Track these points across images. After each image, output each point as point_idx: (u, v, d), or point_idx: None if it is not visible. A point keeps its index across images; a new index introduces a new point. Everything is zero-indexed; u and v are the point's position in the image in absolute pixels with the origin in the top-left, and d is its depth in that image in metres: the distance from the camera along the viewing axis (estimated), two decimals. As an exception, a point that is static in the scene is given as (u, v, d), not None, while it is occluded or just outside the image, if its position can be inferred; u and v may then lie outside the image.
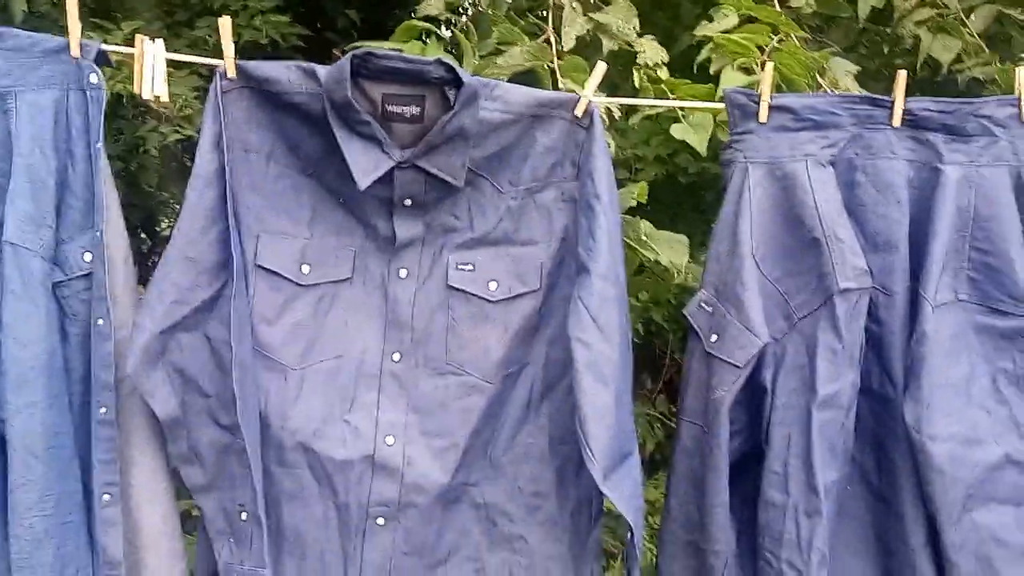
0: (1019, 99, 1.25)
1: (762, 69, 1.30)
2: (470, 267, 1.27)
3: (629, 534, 1.18)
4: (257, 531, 1.18)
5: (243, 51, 2.40)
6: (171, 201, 2.90)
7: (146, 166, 2.42)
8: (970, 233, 1.24)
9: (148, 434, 1.24)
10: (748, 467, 1.26)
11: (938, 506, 1.19)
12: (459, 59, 1.52)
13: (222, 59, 1.21)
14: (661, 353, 2.88)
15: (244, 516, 1.20)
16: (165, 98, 1.24)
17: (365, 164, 1.19)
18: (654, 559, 1.36)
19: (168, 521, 1.27)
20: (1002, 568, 1.19)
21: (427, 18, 1.54)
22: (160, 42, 1.24)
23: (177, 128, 2.12)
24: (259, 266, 1.23)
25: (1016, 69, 1.27)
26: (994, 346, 1.23)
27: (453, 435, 1.25)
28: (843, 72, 1.58)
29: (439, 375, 1.26)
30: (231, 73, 1.21)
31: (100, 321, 1.17)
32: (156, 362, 1.19)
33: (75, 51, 1.19)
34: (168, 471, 1.26)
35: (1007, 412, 1.22)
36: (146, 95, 1.23)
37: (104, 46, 1.23)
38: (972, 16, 1.89)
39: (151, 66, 1.23)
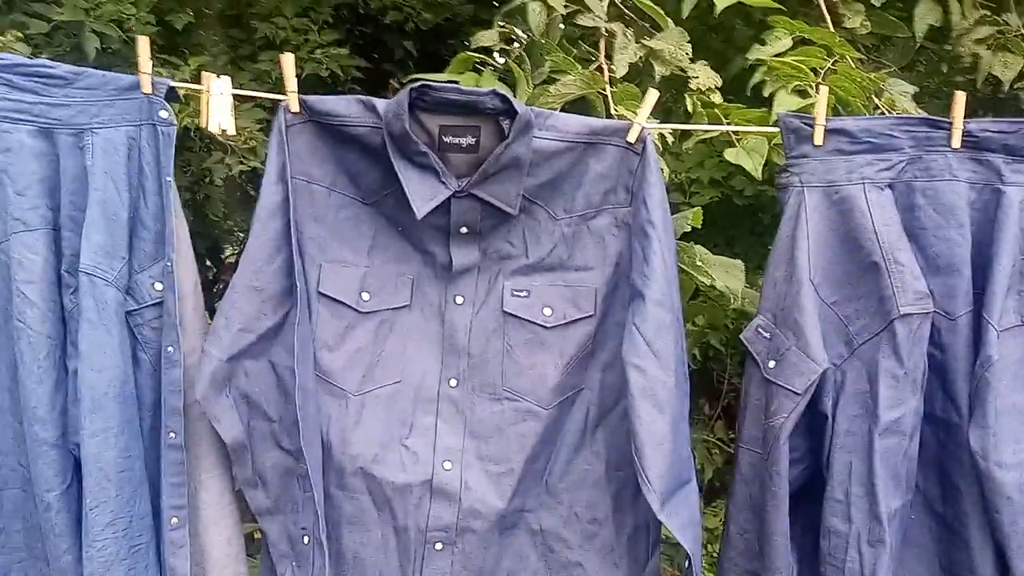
0: (1084, 117, 1.22)
1: (817, 92, 1.29)
2: (525, 293, 1.29)
3: (687, 563, 1.17)
4: (319, 554, 1.20)
5: (304, 83, 2.47)
6: (236, 230, 2.99)
7: (212, 196, 2.50)
8: (1035, 256, 1.21)
9: (215, 458, 1.28)
10: (808, 495, 1.24)
11: (1006, 535, 1.16)
12: (513, 88, 1.54)
13: (285, 94, 1.25)
14: (719, 378, 2.85)
15: (306, 540, 1.22)
16: (231, 131, 1.29)
17: (423, 193, 1.21)
18: (713, 587, 1.35)
19: (233, 543, 1.30)
20: (1075, 600, 1.15)
21: (481, 49, 1.57)
22: (226, 78, 1.29)
23: (242, 160, 2.19)
24: (321, 294, 1.27)
25: (1081, 87, 1.24)
26: (1063, 371, 1.20)
27: (509, 460, 1.26)
28: (900, 93, 1.56)
29: (495, 400, 1.28)
30: (294, 108, 1.25)
31: (170, 348, 1.22)
32: (223, 388, 1.23)
33: (146, 88, 1.24)
34: (234, 494, 1.30)
35: (1078, 439, 1.18)
36: (212, 129, 1.28)
37: (173, 83, 1.28)
38: (1034, 33, 1.86)
39: (217, 101, 1.28)
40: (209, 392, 1.21)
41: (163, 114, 1.25)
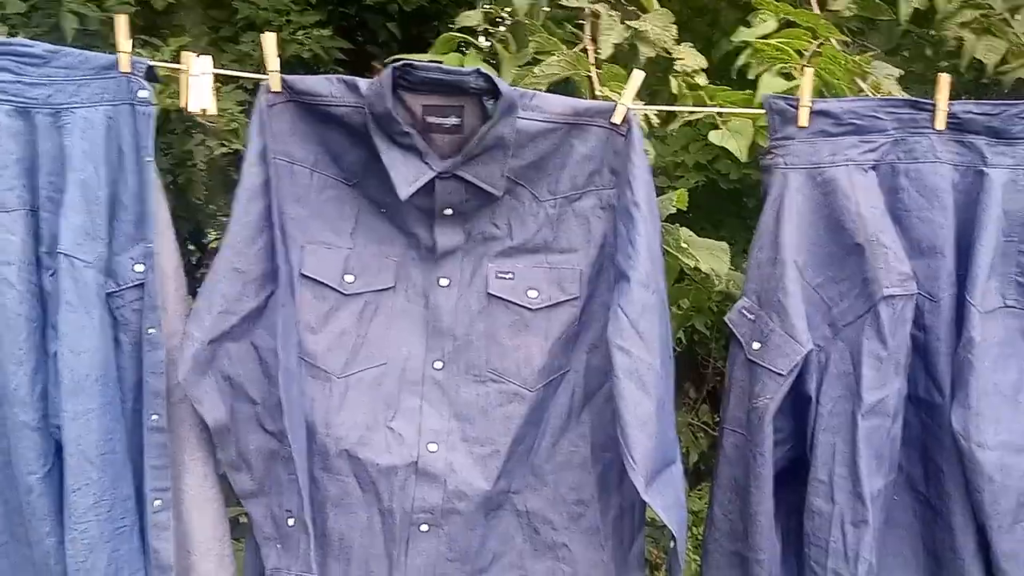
0: (1067, 100, 1.22)
1: (801, 74, 1.29)
2: (510, 275, 1.28)
3: (672, 543, 1.17)
4: (304, 537, 1.20)
5: (286, 65, 2.44)
6: (218, 214, 2.96)
7: (193, 179, 2.47)
8: (1017, 238, 1.22)
9: (198, 441, 1.27)
10: (792, 476, 1.25)
11: (988, 515, 1.17)
12: (497, 69, 1.53)
13: (267, 74, 1.24)
14: (704, 362, 2.86)
15: (291, 522, 1.22)
16: (212, 111, 1.27)
17: (406, 174, 1.20)
18: (698, 569, 1.35)
19: (218, 526, 1.29)
20: (1055, 578, 1.16)
21: (465, 29, 1.56)
22: (207, 57, 1.28)
23: (224, 142, 2.16)
24: (304, 276, 1.26)
25: (1064, 70, 1.25)
26: (1044, 352, 1.21)
27: (495, 442, 1.26)
28: (885, 76, 1.56)
29: (480, 383, 1.27)
30: (276, 87, 1.24)
31: (151, 330, 1.21)
32: (205, 370, 1.22)
33: (125, 67, 1.23)
34: (218, 477, 1.29)
35: (1058, 419, 1.19)
36: (193, 109, 1.27)
37: (153, 62, 1.26)
38: (1017, 16, 1.86)
39: (198, 81, 1.26)
40: (191, 374, 1.20)
41: (142, 94, 1.23)
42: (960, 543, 1.20)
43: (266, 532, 1.24)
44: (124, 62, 1.23)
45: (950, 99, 1.24)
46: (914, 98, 1.27)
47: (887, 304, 1.18)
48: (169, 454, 1.22)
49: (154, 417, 1.21)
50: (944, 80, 1.23)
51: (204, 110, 1.28)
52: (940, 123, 1.24)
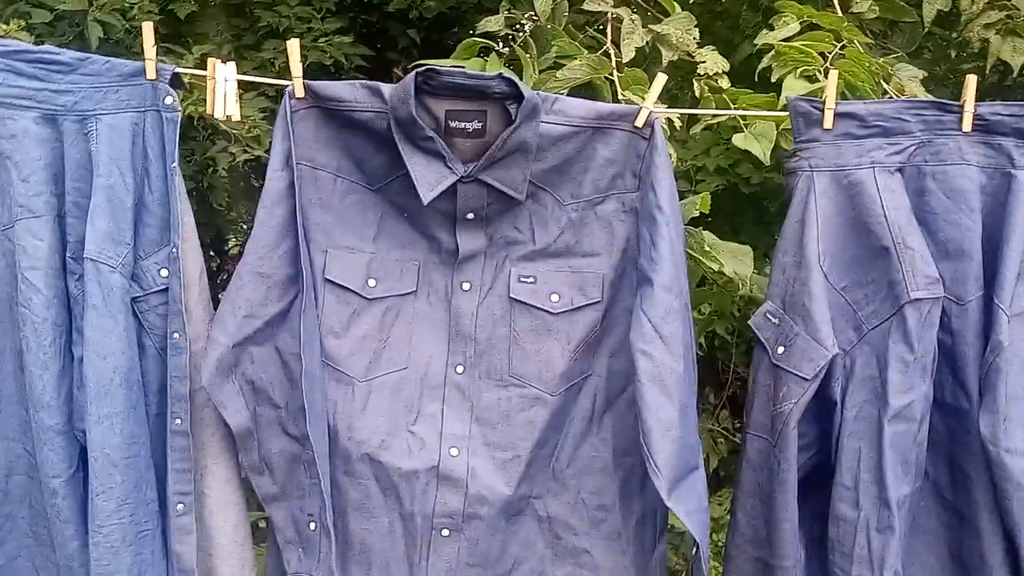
0: (1095, 100, 1.21)
1: (825, 76, 1.28)
2: (532, 279, 1.28)
3: (694, 549, 1.17)
4: (325, 541, 1.20)
5: (307, 72, 2.46)
6: (239, 220, 2.98)
7: (216, 185, 2.49)
8: (1047, 240, 1.20)
9: (221, 445, 1.28)
10: (817, 481, 1.24)
11: (1016, 521, 1.16)
12: (519, 74, 1.53)
13: (290, 80, 1.24)
14: (724, 367, 2.84)
15: (313, 526, 1.22)
16: (237, 117, 1.28)
17: (429, 179, 1.21)
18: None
19: (240, 530, 1.30)
20: (1085, 586, 1.14)
21: (486, 35, 1.56)
22: (231, 64, 1.29)
23: (246, 148, 2.18)
24: (327, 280, 1.26)
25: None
26: (1074, 357, 1.19)
27: (516, 447, 1.26)
28: (909, 78, 1.55)
29: (502, 387, 1.27)
30: (300, 93, 1.24)
31: (176, 335, 1.22)
32: (229, 374, 1.22)
33: (151, 74, 1.24)
34: (240, 481, 1.30)
35: (1088, 425, 1.17)
36: (218, 115, 1.28)
37: (179, 68, 1.27)
38: (1044, 17, 1.84)
39: (223, 87, 1.27)
40: (215, 378, 1.21)
41: (168, 100, 1.24)
42: (988, 550, 1.19)
43: (288, 536, 1.25)
44: (150, 69, 1.24)
45: (976, 101, 1.23)
46: (940, 100, 1.26)
47: (914, 307, 1.16)
48: (192, 458, 1.23)
49: (177, 421, 1.22)
50: (971, 81, 1.22)
51: (229, 116, 1.29)
52: (967, 125, 1.22)
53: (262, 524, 1.61)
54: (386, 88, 1.21)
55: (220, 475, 1.28)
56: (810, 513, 1.24)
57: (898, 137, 1.22)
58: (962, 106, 1.22)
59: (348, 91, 1.23)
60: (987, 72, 1.92)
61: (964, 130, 1.22)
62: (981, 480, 1.19)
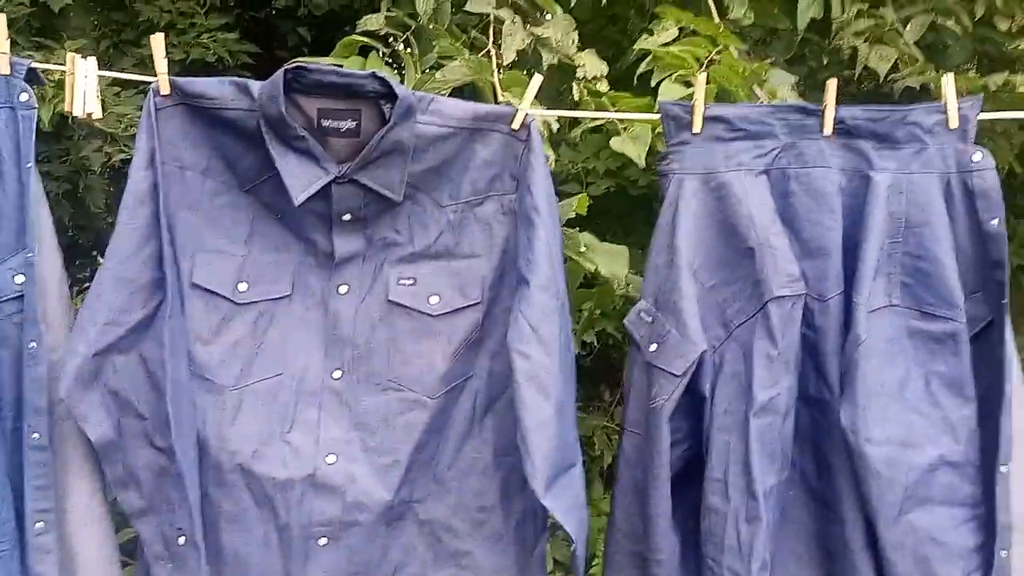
0: (946, 106, 1.27)
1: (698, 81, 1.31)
2: (411, 281, 1.27)
3: (572, 546, 1.18)
4: (195, 555, 1.16)
5: (191, 68, 2.39)
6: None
7: (93, 187, 2.39)
8: (902, 239, 1.26)
9: (83, 459, 1.22)
10: (691, 475, 1.26)
11: (876, 508, 1.21)
12: (401, 74, 1.52)
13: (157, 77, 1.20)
14: (619, 365, 2.88)
15: (182, 540, 1.18)
16: (98, 115, 1.23)
17: (301, 179, 1.18)
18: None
19: (104, 548, 1.25)
20: (938, 568, 1.20)
21: (369, 33, 1.54)
22: (92, 60, 1.23)
23: (123, 148, 2.10)
24: (195, 285, 1.22)
25: (943, 76, 1.30)
26: (927, 350, 1.25)
27: (396, 452, 1.24)
28: (781, 83, 1.61)
29: (381, 391, 1.25)
30: (164, 90, 1.20)
31: (32, 344, 1.16)
32: (90, 385, 1.17)
33: (4, 69, 1.18)
34: (105, 496, 1.24)
35: (941, 415, 1.23)
36: (77, 113, 1.22)
37: (34, 64, 1.21)
38: (908, 26, 1.94)
39: (83, 84, 1.22)
40: (75, 389, 1.15)
41: (23, 97, 1.18)
42: (850, 536, 1.23)
43: (156, 551, 1.20)
44: (3, 64, 1.18)
45: (843, 105, 1.28)
46: (804, 104, 1.30)
47: (777, 304, 1.20)
48: (52, 473, 1.17)
49: (35, 435, 1.16)
50: (831, 86, 1.27)
51: (90, 114, 1.23)
52: (828, 129, 1.27)
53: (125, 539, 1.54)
54: (255, 85, 1.18)
55: (83, 491, 1.22)
56: (685, 506, 1.26)
57: (763, 140, 1.26)
58: (823, 110, 1.27)
59: (216, 88, 1.19)
60: (856, 78, 2.01)
61: (825, 134, 1.27)
62: (843, 469, 1.24)
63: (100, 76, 1.23)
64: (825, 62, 2.16)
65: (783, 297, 1.20)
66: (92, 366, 1.16)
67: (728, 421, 1.21)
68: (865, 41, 1.93)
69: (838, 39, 1.96)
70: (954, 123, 1.26)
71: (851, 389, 1.21)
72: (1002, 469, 1.20)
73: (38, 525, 1.17)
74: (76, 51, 1.93)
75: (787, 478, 1.25)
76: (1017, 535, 1.21)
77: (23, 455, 1.16)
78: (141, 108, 2.10)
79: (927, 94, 1.80)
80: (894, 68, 1.91)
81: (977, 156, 1.25)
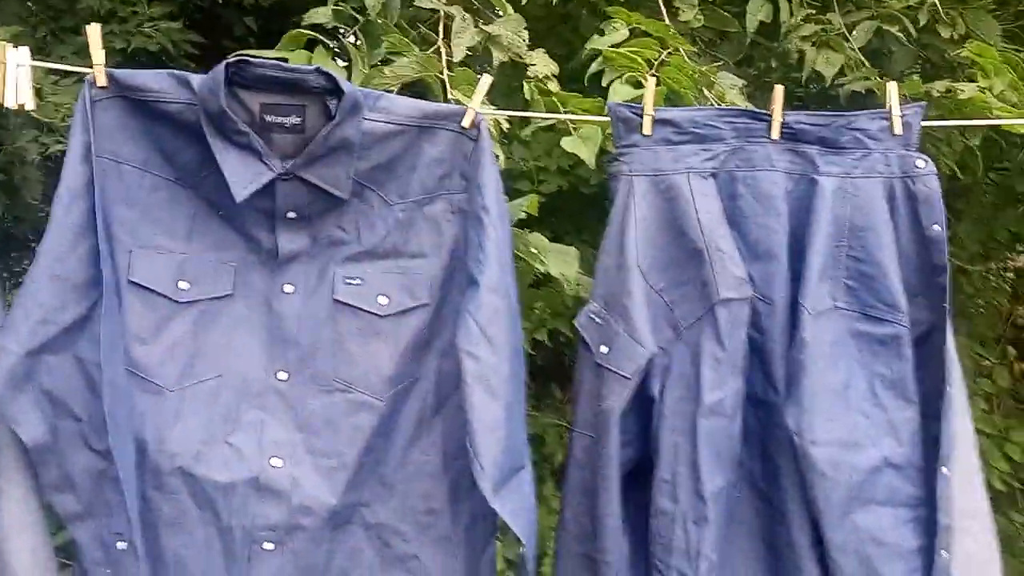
0: (890, 112, 1.29)
1: (647, 83, 1.31)
2: (358, 281, 1.25)
3: (521, 548, 1.17)
4: (133, 561, 1.13)
5: (132, 58, 2.33)
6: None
7: (29, 178, 2.31)
8: (846, 243, 1.27)
9: (16, 462, 1.17)
10: (640, 476, 1.27)
11: (821, 509, 1.22)
12: (349, 69, 1.49)
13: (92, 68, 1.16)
14: (571, 363, 2.89)
15: (121, 545, 1.14)
16: (30, 106, 1.19)
17: (243, 175, 1.15)
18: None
19: (39, 552, 1.19)
20: (881, 567, 1.22)
21: (317, 27, 1.51)
22: (25, 49, 1.19)
23: (60, 138, 2.03)
24: (132, 282, 1.18)
25: (887, 84, 1.32)
26: (871, 352, 1.27)
27: (342, 454, 1.22)
28: (729, 86, 1.62)
29: (327, 393, 1.23)
30: (101, 82, 1.16)
31: (-41, 344, 1.11)
32: (22, 386, 1.13)
33: (-71, 58, 1.13)
34: (39, 501, 1.20)
35: (884, 416, 1.25)
36: (10, 104, 1.18)
37: (-38, 53, 1.16)
38: (854, 32, 1.97)
39: (14, 74, 1.17)
40: (6, 391, 1.11)
41: (-51, 86, 1.13)
42: (796, 537, 1.25)
43: (94, 557, 1.16)
44: (-73, 51, 1.13)
45: (792, 109, 1.29)
46: (752, 109, 1.32)
47: (724, 307, 1.21)
48: (-18, 478, 1.13)
49: (-37, 438, 1.11)
50: (778, 92, 1.28)
51: (22, 105, 1.19)
52: (775, 133, 1.28)
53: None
54: (196, 79, 1.14)
55: (15, 496, 1.17)
56: (634, 507, 1.26)
57: (712, 143, 1.27)
58: (771, 115, 1.28)
59: (155, 80, 1.16)
60: (803, 82, 2.04)
61: (772, 138, 1.28)
62: (789, 470, 1.25)
63: (34, 66, 1.18)
64: (773, 65, 2.19)
65: (730, 300, 1.21)
66: (25, 366, 1.12)
67: (676, 423, 1.22)
68: (812, 45, 1.96)
69: (786, 43, 1.99)
70: (898, 129, 1.28)
71: (797, 391, 1.23)
72: (943, 470, 1.23)
73: (-34, 532, 1.12)
74: (11, 38, 1.86)
75: (735, 479, 1.26)
76: (957, 535, 1.24)
77: (-50, 460, 1.12)
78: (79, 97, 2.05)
79: (872, 98, 1.83)
80: (840, 72, 1.94)
81: (920, 163, 1.27)
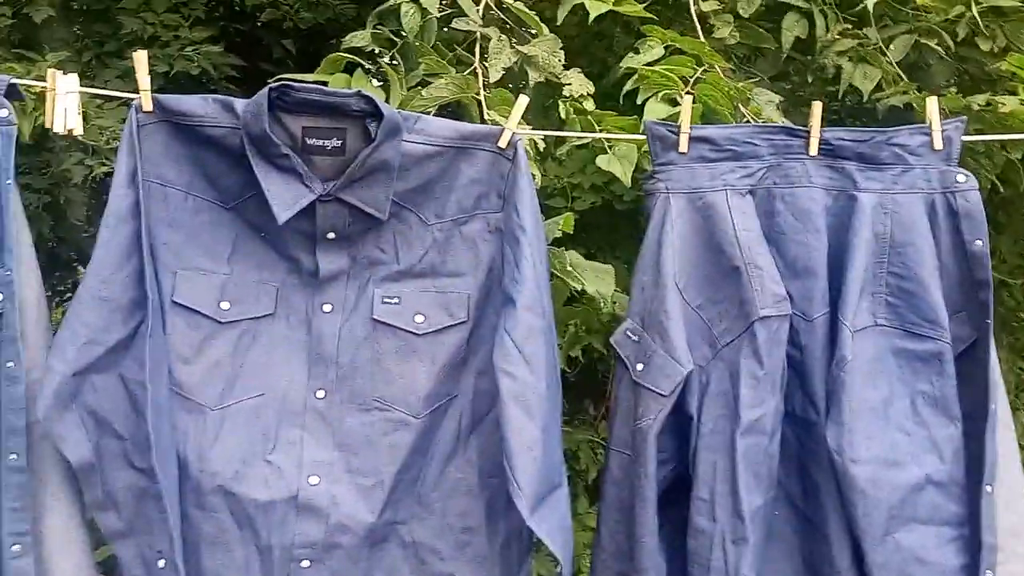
0: (930, 127, 1.28)
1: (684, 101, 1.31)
2: (396, 300, 1.26)
3: (557, 568, 1.17)
4: (175, 577, 1.14)
5: (175, 82, 2.38)
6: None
7: (73, 200, 2.37)
8: (887, 259, 1.26)
9: (61, 480, 1.20)
10: (678, 495, 1.26)
11: (862, 528, 1.21)
12: (387, 91, 1.51)
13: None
14: (604, 379, 2.88)
15: (162, 563, 1.16)
16: (79, 131, 1.22)
17: (285, 197, 1.17)
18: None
19: (83, 570, 1.22)
20: (924, 587, 1.20)
21: (355, 50, 1.54)
22: (73, 76, 1.22)
23: (104, 160, 2.07)
24: (176, 303, 1.21)
25: (927, 99, 1.31)
26: (912, 369, 1.25)
27: (380, 472, 1.23)
28: (766, 102, 1.61)
29: (365, 411, 1.24)
30: (147, 107, 1.19)
31: (10, 364, 1.14)
32: (69, 405, 1.15)
33: (-17, 84, 1.16)
34: (83, 519, 1.22)
35: (926, 433, 1.24)
36: (58, 129, 1.21)
37: (15, 79, 1.20)
38: (891, 46, 1.95)
39: (63, 100, 1.20)
40: (53, 410, 1.13)
41: (3, 113, 1.17)
42: (836, 556, 1.23)
43: (136, 574, 1.18)
44: (-19, 78, 1.16)
45: (827, 126, 1.28)
46: (789, 125, 1.31)
47: (763, 324, 1.21)
48: (30, 495, 1.15)
49: (12, 456, 1.14)
50: (816, 107, 1.28)
51: (70, 130, 1.22)
52: (813, 149, 1.28)
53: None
54: (239, 103, 1.17)
55: (61, 513, 1.20)
56: (672, 527, 1.26)
57: (749, 160, 1.27)
58: (809, 131, 1.28)
59: (199, 105, 1.18)
60: (840, 96, 2.02)
61: (811, 154, 1.28)
62: (829, 489, 1.24)
63: (81, 92, 1.22)
64: (810, 80, 2.17)
65: (769, 317, 1.21)
66: (71, 386, 1.14)
67: (714, 441, 1.21)
68: (849, 60, 1.95)
69: (822, 58, 1.98)
70: (938, 144, 1.27)
71: (837, 409, 1.22)
72: (987, 489, 1.21)
73: (14, 548, 1.14)
74: (58, 64, 1.92)
75: (773, 498, 1.25)
76: (1002, 555, 1.21)
77: (0, 476, 1.14)
78: (123, 121, 2.09)
79: (911, 112, 1.81)
80: (878, 87, 1.92)
81: (961, 178, 1.26)
